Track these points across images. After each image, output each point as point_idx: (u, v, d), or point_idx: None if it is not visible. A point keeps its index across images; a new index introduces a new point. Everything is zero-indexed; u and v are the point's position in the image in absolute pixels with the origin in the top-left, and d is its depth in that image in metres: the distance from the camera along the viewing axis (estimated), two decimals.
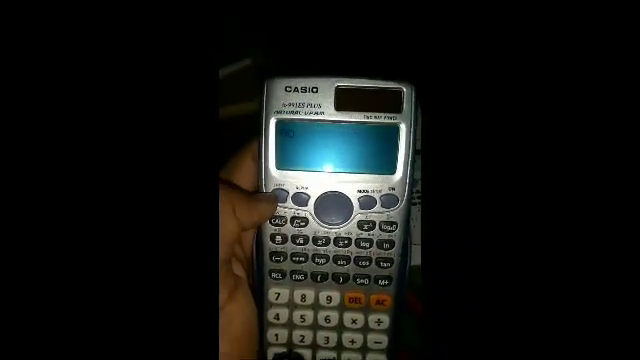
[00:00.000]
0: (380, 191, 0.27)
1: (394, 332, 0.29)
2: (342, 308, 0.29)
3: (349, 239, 0.28)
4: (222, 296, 0.26)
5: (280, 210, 0.28)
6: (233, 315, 0.27)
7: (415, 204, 0.44)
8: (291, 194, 0.28)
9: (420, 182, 0.45)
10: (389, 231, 0.28)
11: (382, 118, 0.27)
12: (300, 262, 0.28)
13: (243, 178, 0.29)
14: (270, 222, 0.28)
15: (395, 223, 0.28)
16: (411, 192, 0.28)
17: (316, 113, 0.27)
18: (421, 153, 0.28)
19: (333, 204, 0.28)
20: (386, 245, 0.28)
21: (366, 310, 0.29)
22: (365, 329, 0.29)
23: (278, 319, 0.29)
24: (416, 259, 0.39)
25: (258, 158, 0.28)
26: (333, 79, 0.27)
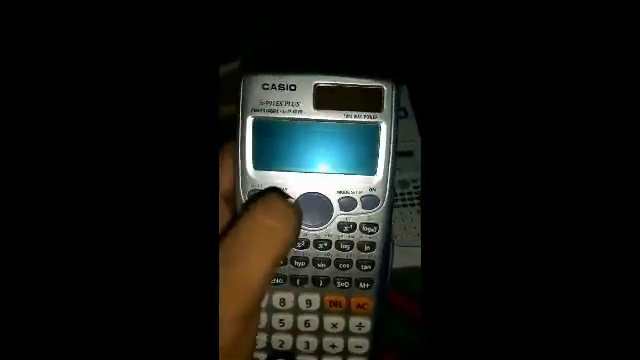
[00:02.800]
0: (361, 192, 0.27)
1: (375, 336, 0.29)
2: (322, 312, 0.28)
3: (329, 241, 0.27)
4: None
5: None
6: None
7: (406, 206, 0.44)
8: None
9: (410, 183, 0.45)
10: (370, 233, 0.27)
11: (362, 117, 0.26)
12: (279, 265, 0.27)
13: (223, 178, 0.28)
14: None
15: (376, 225, 0.27)
16: (393, 193, 0.27)
17: (295, 112, 0.26)
18: (420, 154, 0.27)
19: (313, 205, 0.27)
20: (367, 247, 0.27)
21: (347, 314, 0.28)
22: (346, 333, 0.28)
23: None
24: (406, 261, 0.39)
25: (235, 158, 0.27)
26: (312, 76, 0.26)
